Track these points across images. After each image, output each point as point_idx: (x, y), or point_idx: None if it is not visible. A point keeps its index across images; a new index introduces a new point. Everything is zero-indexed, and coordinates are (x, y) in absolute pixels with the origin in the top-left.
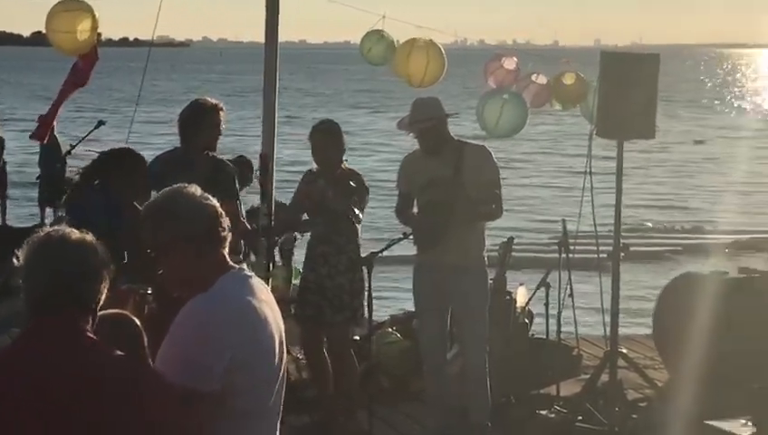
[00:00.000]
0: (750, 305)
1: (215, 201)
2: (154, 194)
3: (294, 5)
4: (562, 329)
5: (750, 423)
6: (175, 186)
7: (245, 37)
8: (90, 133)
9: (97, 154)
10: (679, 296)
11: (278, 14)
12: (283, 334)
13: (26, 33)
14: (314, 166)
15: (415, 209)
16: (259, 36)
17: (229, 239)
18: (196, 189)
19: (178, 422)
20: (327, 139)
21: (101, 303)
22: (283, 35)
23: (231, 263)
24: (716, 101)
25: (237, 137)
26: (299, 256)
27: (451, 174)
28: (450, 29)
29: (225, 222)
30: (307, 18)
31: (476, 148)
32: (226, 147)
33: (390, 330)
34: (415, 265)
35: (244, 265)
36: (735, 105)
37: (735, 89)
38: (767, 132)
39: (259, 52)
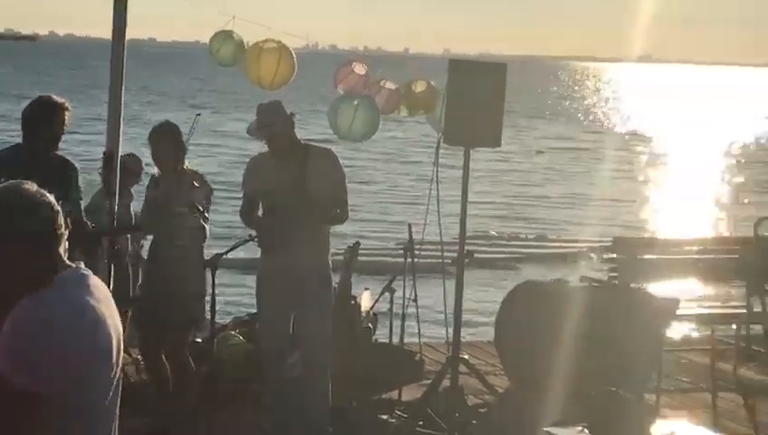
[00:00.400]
0: (589, 314)
1: (51, 198)
2: None
3: (143, 2)
4: (406, 334)
5: (586, 430)
6: (10, 181)
7: (93, 33)
8: None
9: None
10: (520, 304)
11: (126, 10)
12: (121, 334)
13: None
14: (157, 170)
15: (260, 212)
16: (107, 33)
17: (66, 237)
18: (32, 186)
19: (14, 423)
20: (166, 140)
21: None
22: (132, 32)
23: (68, 262)
24: (559, 113)
25: (77, 135)
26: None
27: (297, 177)
28: (302, 32)
29: (62, 220)
30: (157, 16)
31: (323, 151)
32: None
33: (233, 333)
34: (259, 267)
35: (82, 264)
36: (578, 117)
37: (579, 101)
38: (607, 144)
39: (106, 48)
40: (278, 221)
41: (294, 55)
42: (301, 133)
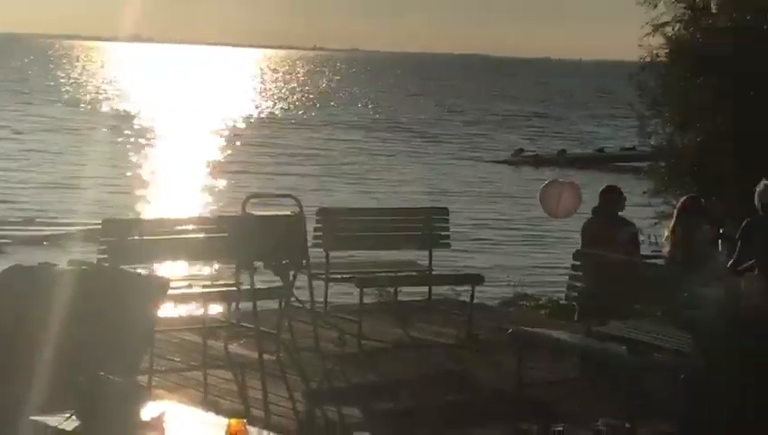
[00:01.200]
0: (77, 298)
1: None
2: None
3: None
4: None
5: (74, 417)
6: None
7: None
8: None
9: None
10: (6, 289)
11: None
12: None
13: None
14: None
15: None
16: None
17: None
18: None
19: None
20: None
21: None
22: None
23: None
24: (43, 93)
25: None
26: None
27: None
28: None
29: None
30: None
31: None
32: None
33: None
34: None
35: None
36: (63, 97)
37: (65, 80)
38: (96, 124)
39: None
40: None
41: None
42: None
